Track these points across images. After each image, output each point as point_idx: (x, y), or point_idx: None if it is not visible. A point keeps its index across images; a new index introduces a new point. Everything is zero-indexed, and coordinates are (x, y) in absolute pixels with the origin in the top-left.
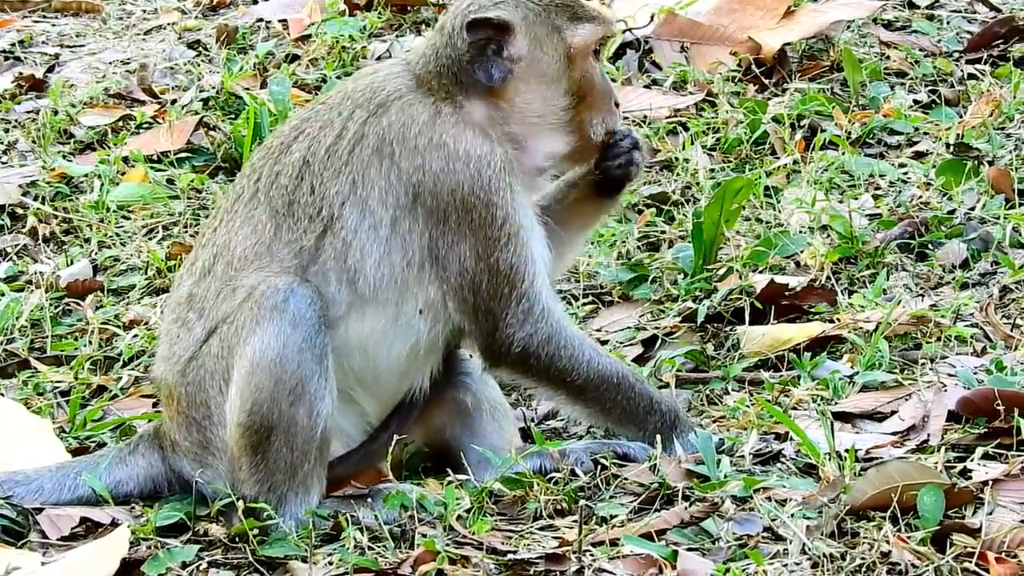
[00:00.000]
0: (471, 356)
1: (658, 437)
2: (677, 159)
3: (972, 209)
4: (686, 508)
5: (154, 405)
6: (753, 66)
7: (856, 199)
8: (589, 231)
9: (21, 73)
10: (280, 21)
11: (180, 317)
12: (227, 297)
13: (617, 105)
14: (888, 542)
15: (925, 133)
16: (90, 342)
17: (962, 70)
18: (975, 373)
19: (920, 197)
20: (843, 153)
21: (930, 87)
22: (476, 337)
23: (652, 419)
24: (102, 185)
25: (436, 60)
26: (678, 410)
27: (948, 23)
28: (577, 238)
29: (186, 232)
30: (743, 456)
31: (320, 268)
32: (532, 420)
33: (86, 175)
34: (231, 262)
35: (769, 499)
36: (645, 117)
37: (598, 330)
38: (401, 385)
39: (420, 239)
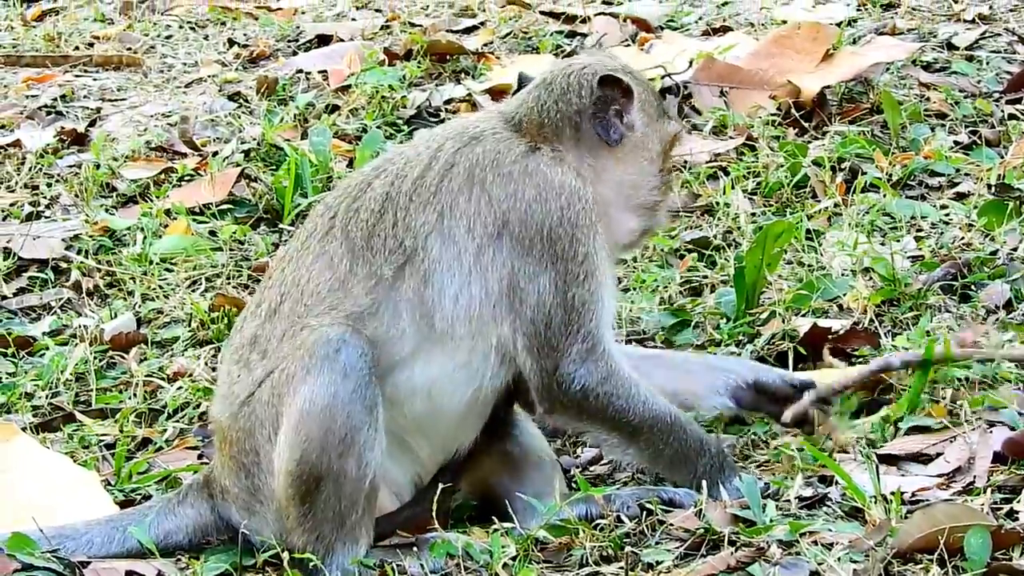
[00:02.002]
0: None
1: (704, 482)
2: (718, 203)
3: (1015, 250)
4: (732, 553)
5: (199, 457)
6: (793, 110)
7: (898, 241)
8: None
9: (63, 127)
10: (320, 72)
11: (242, 358)
12: (292, 336)
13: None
14: None
15: (966, 174)
16: (135, 395)
17: (1002, 111)
18: (1020, 414)
19: (962, 238)
20: (884, 195)
21: (970, 128)
22: (535, 377)
23: (702, 461)
24: (145, 238)
25: (541, 111)
26: (726, 453)
27: (987, 64)
28: None
29: (229, 284)
30: (789, 500)
31: (394, 303)
32: (577, 467)
33: (129, 228)
34: (300, 299)
35: (815, 543)
36: (685, 162)
37: None
38: (458, 434)
39: (502, 269)
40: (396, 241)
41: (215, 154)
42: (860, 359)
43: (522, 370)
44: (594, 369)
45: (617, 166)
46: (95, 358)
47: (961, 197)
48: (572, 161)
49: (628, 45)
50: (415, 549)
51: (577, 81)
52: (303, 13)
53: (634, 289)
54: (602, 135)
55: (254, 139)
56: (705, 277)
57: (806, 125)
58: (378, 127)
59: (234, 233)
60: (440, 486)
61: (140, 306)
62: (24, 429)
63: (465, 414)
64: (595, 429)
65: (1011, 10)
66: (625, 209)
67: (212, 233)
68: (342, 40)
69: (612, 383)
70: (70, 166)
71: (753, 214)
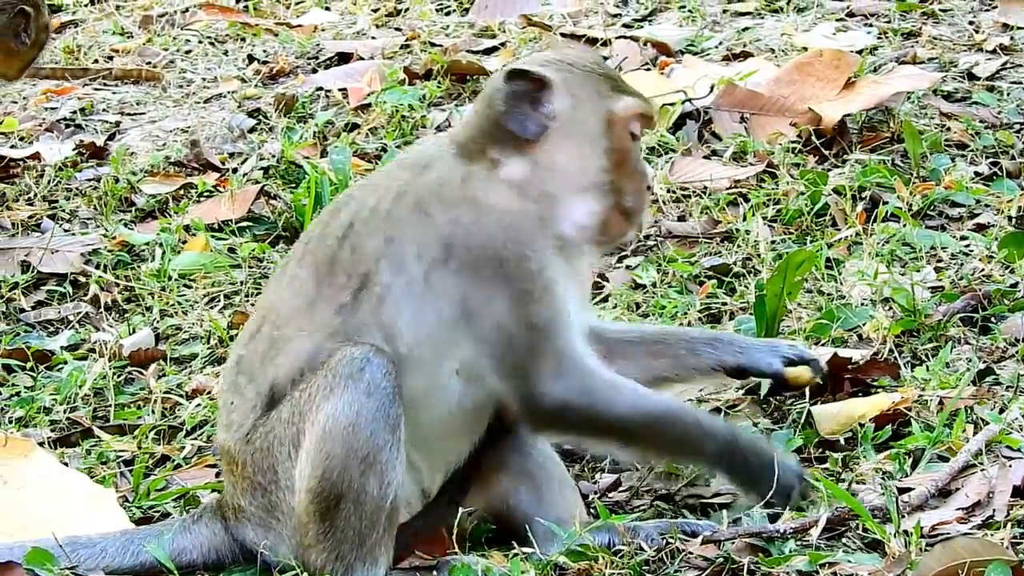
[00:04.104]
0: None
1: (725, 465)
2: (738, 230)
3: None
4: None
5: (217, 475)
6: (813, 137)
7: (918, 271)
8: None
9: (82, 141)
10: (340, 90)
11: (232, 382)
12: (271, 359)
13: (649, 189)
14: None
15: (987, 205)
16: (153, 411)
17: (1023, 142)
18: None
19: (982, 270)
20: (904, 225)
21: (991, 159)
22: (513, 399)
23: (710, 444)
24: (164, 253)
25: (475, 121)
26: (736, 431)
27: (1009, 95)
28: None
29: (248, 301)
30: (809, 531)
31: (356, 328)
32: (595, 493)
33: (147, 243)
34: (275, 321)
35: (835, 575)
36: (705, 188)
37: None
38: (450, 447)
39: (453, 295)
40: (353, 267)
41: (234, 171)
42: (880, 389)
43: (497, 393)
44: (570, 385)
45: (552, 154)
46: (113, 373)
47: (981, 228)
48: (511, 173)
49: (648, 69)
50: (435, 572)
51: (493, 84)
52: (323, 31)
53: (654, 315)
54: (517, 131)
55: (273, 156)
56: (725, 304)
57: (826, 153)
58: (397, 146)
59: (253, 250)
60: (459, 507)
61: (158, 322)
62: (42, 444)
63: (449, 430)
64: (586, 440)
65: None
66: (576, 194)
67: (231, 250)
68: (362, 58)
69: (592, 395)
70: (89, 180)
71: (773, 241)
